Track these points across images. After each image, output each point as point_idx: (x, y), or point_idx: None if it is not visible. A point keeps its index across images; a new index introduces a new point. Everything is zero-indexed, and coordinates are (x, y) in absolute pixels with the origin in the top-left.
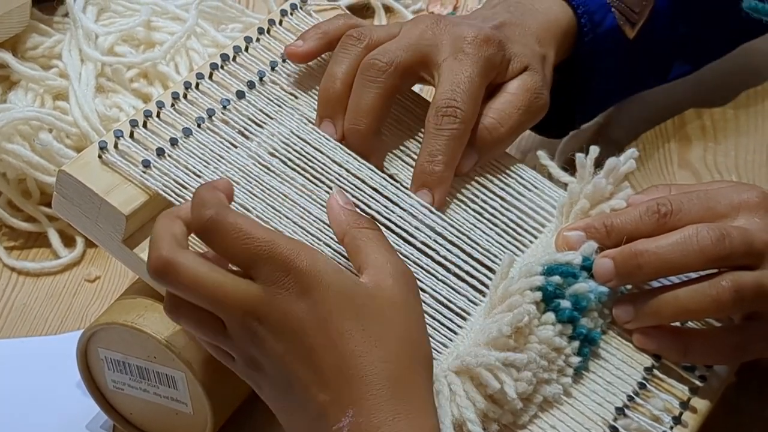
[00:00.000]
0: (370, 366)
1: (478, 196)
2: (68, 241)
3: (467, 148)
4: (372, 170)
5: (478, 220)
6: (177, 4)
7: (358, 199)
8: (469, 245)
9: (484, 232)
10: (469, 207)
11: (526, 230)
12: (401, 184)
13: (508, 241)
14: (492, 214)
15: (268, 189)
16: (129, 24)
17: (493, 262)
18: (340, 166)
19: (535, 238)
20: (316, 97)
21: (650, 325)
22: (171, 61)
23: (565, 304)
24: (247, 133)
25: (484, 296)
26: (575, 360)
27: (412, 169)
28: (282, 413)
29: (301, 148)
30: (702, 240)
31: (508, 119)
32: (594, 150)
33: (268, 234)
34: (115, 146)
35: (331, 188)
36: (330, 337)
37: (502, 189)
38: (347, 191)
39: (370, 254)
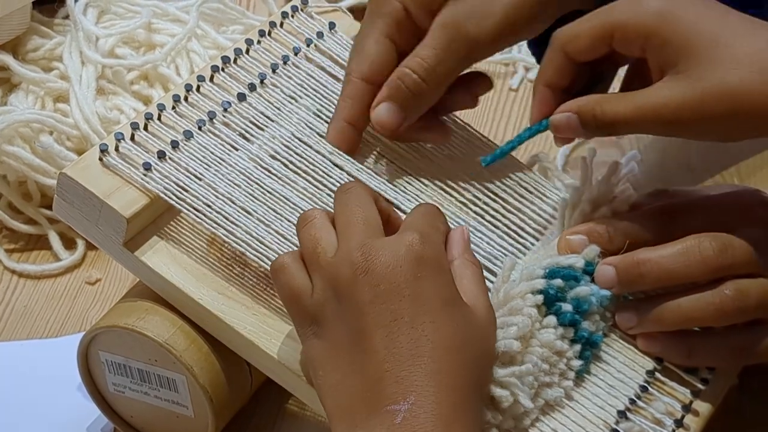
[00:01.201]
0: (446, 364)
1: (479, 199)
2: (69, 244)
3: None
4: (372, 173)
5: (480, 222)
6: (177, 6)
7: None
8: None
9: (485, 235)
10: (471, 210)
11: (527, 233)
12: (403, 187)
13: (509, 244)
14: (493, 217)
15: (269, 192)
16: (129, 26)
17: (494, 264)
18: (341, 169)
19: (537, 240)
20: (318, 99)
21: None
22: (172, 63)
23: (567, 307)
24: (248, 135)
25: None
26: (577, 363)
27: (410, 173)
28: (333, 371)
29: (303, 151)
30: (704, 250)
31: (421, 64)
32: (595, 152)
33: None
34: (116, 149)
35: (333, 191)
36: (421, 317)
37: (504, 191)
38: None
39: (471, 284)
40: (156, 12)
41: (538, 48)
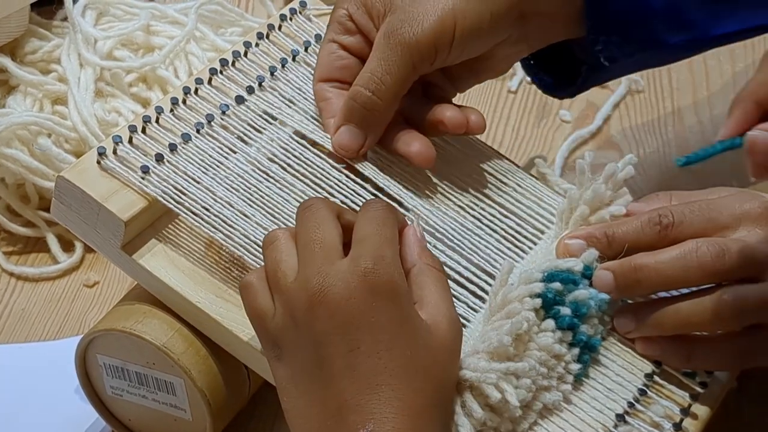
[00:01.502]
0: (404, 390)
1: (477, 203)
2: (67, 246)
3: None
4: (371, 176)
5: (478, 226)
6: (176, 8)
7: (358, 205)
8: (468, 251)
9: (483, 239)
10: (469, 213)
11: (525, 236)
12: (400, 189)
13: (507, 248)
14: (491, 221)
15: (267, 195)
16: (128, 28)
17: (493, 267)
18: (340, 171)
19: (535, 244)
20: (315, 103)
21: None
22: (170, 66)
23: (565, 311)
24: (246, 138)
25: (483, 302)
26: (575, 367)
27: (407, 176)
28: (296, 398)
29: (301, 154)
30: (702, 256)
31: (371, 78)
32: (592, 155)
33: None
34: (114, 152)
35: (331, 194)
36: (378, 343)
37: (501, 195)
38: (347, 196)
39: (433, 293)
40: (154, 14)
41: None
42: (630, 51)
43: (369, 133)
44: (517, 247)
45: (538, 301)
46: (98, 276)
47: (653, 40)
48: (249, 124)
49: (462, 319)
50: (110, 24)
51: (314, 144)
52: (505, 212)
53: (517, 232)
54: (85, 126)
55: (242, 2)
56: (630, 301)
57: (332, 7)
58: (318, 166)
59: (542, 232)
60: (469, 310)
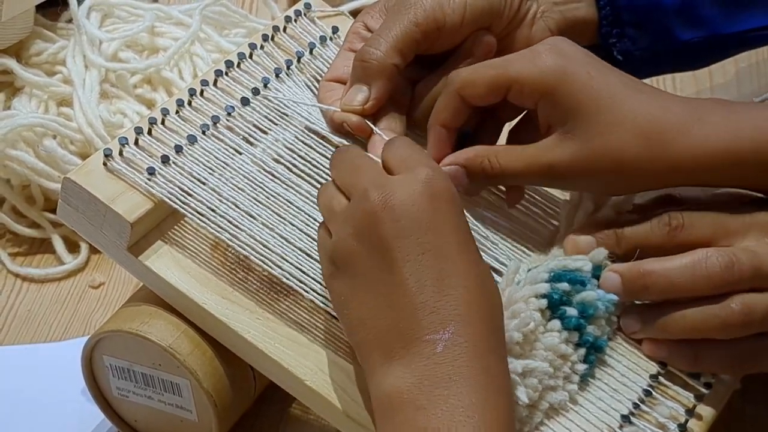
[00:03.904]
0: (476, 296)
1: (481, 200)
2: (72, 248)
3: None
4: None
5: (484, 224)
6: (180, 9)
7: None
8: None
9: (488, 237)
10: (474, 211)
11: (530, 235)
12: None
13: (514, 246)
14: (496, 219)
15: (273, 195)
16: (133, 30)
17: (502, 264)
18: None
19: (540, 243)
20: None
21: None
22: (175, 67)
23: (572, 311)
24: (251, 139)
25: None
26: (581, 367)
27: None
28: (358, 309)
29: (306, 154)
30: (711, 267)
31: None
32: None
33: None
34: (120, 153)
35: None
36: (446, 248)
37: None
38: None
39: None
40: (159, 15)
41: None
42: (643, 45)
43: (371, 85)
44: (523, 245)
45: (544, 302)
46: (104, 277)
47: (667, 35)
48: (254, 125)
49: None
50: (115, 26)
51: (323, 138)
52: (512, 210)
53: (523, 229)
54: (90, 127)
55: (246, 3)
56: (638, 302)
57: (336, 9)
58: (324, 166)
59: (549, 230)
60: None
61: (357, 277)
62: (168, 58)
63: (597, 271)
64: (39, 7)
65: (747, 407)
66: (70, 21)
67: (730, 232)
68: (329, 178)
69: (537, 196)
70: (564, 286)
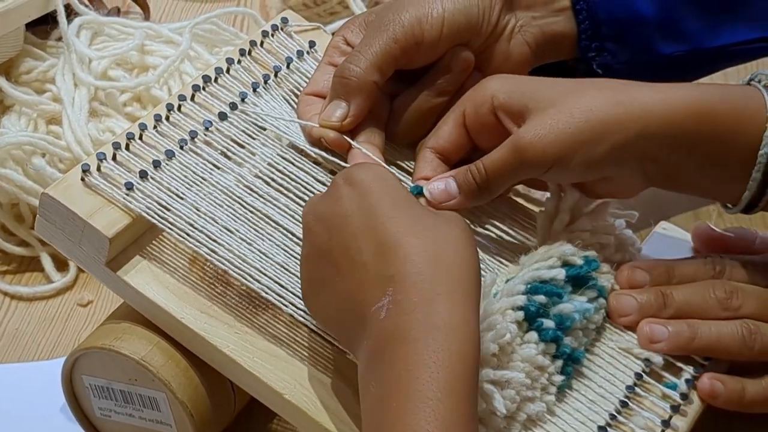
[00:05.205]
0: (416, 249)
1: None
2: (61, 266)
3: None
4: None
5: None
6: (171, 27)
7: None
8: None
9: None
10: None
11: (506, 247)
12: None
13: (489, 259)
14: (475, 230)
15: (251, 210)
16: (122, 48)
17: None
18: (324, 185)
19: (517, 255)
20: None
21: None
22: (164, 85)
23: (549, 323)
24: (229, 154)
25: None
26: (558, 378)
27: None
28: (321, 289)
29: (284, 168)
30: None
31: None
32: None
33: None
34: (98, 169)
35: None
36: (378, 218)
37: (478, 207)
38: None
39: None
40: (149, 34)
41: None
42: (623, 59)
43: (350, 102)
44: (499, 257)
45: (521, 314)
46: (92, 295)
47: (647, 49)
48: (232, 140)
49: None
50: (105, 44)
51: (301, 152)
52: (484, 223)
53: (498, 243)
54: (80, 146)
55: (237, 21)
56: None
57: (313, 24)
58: (302, 180)
59: (524, 243)
60: None
61: (313, 281)
62: (158, 76)
63: (570, 271)
64: (29, 26)
65: (733, 423)
66: (59, 39)
67: None
68: (307, 192)
69: (515, 209)
70: (541, 298)
